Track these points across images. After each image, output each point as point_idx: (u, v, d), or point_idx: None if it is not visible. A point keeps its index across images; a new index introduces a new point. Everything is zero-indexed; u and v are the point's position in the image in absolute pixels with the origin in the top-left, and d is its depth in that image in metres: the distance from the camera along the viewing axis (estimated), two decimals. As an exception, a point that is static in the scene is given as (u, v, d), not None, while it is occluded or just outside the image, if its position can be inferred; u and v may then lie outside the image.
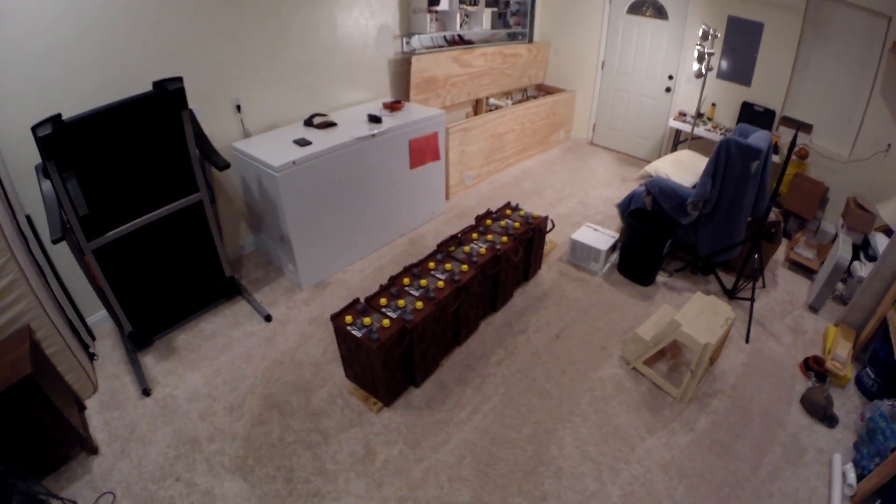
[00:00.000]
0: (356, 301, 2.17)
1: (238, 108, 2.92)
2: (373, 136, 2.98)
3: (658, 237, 2.94)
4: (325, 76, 3.31)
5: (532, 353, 2.64)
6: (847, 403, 2.51)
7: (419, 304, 2.14)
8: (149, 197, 2.30)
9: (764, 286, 3.25)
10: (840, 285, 3.10)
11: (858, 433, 2.34)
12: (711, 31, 3.43)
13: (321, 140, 2.83)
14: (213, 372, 2.47)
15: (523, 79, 4.90)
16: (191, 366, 2.51)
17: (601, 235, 3.29)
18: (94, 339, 2.63)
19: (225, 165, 2.47)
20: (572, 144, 5.52)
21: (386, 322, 2.03)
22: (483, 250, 2.56)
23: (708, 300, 2.47)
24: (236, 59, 2.80)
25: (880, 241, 3.06)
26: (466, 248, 2.58)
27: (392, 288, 2.25)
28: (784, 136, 3.76)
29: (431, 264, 2.43)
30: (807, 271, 3.43)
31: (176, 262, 2.54)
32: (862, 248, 3.20)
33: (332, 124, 3.09)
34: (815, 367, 2.62)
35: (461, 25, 3.89)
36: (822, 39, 3.43)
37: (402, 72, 3.75)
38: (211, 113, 2.79)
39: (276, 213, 2.75)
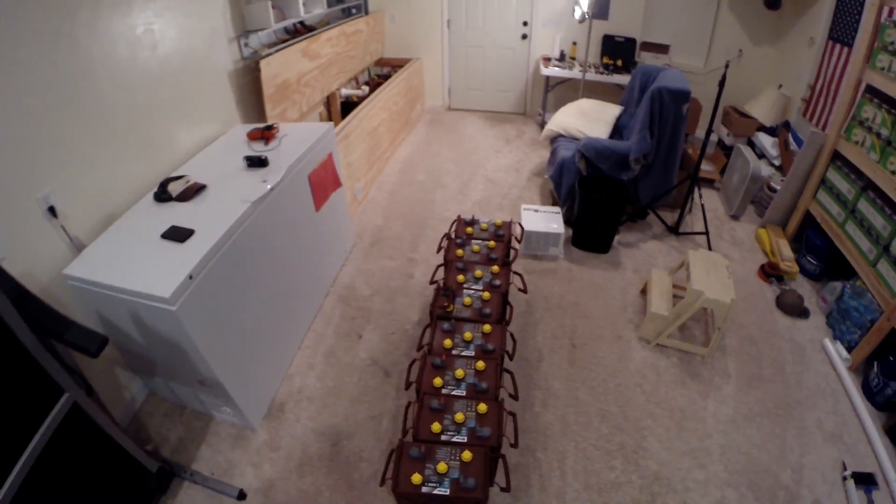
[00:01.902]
0: (403, 445, 1.71)
1: (52, 210, 1.94)
2: (271, 190, 2.31)
3: (616, 203, 3.00)
4: (159, 117, 2.42)
5: (564, 378, 2.54)
6: (802, 291, 3.01)
7: (481, 407, 1.79)
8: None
9: (691, 211, 3.64)
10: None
11: (826, 313, 2.88)
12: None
13: (201, 220, 2.05)
14: None
15: (366, 57, 4.44)
16: None
17: (547, 215, 3.25)
18: None
19: (101, 343, 1.63)
20: (432, 115, 5.34)
21: (466, 455, 1.65)
22: (486, 294, 2.27)
23: (702, 255, 2.64)
24: (24, 129, 1.79)
25: (763, 140, 3.65)
26: (466, 301, 2.25)
27: (433, 401, 1.82)
28: (648, 60, 4.14)
29: (448, 343, 2.05)
30: (709, 182, 3.95)
31: (79, 491, 1.69)
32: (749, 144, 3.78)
33: (199, 188, 2.29)
34: (772, 272, 3.08)
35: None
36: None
37: (248, 83, 3.00)
38: (6, 238, 1.79)
39: (183, 356, 1.98)
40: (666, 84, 2.79)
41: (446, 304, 2.25)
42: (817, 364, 2.63)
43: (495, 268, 2.44)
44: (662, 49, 4.12)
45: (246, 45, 2.88)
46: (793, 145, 3.39)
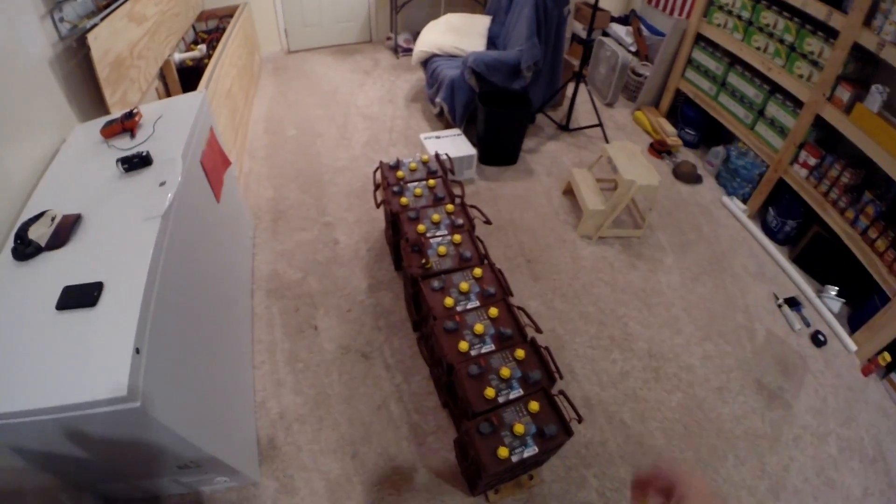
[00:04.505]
0: (468, 428, 1.68)
1: None
2: (176, 191, 1.90)
3: (522, 112, 3.15)
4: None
5: (535, 295, 2.71)
6: (688, 159, 3.58)
7: (519, 353, 1.82)
8: None
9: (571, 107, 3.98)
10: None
11: (714, 175, 3.50)
12: None
13: (101, 265, 1.54)
14: None
15: (189, 13, 3.81)
16: None
17: (452, 139, 3.28)
18: None
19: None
20: (273, 64, 4.90)
21: (534, 406, 1.68)
22: (457, 237, 2.27)
23: (618, 147, 2.96)
24: None
25: (617, 30, 4.07)
26: (441, 250, 2.22)
27: (470, 367, 1.78)
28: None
29: (449, 301, 2.01)
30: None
31: None
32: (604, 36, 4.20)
33: (74, 221, 1.77)
34: (661, 148, 3.60)
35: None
36: None
37: (74, 69, 2.33)
38: None
39: (157, 451, 1.56)
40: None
41: (424, 261, 2.20)
42: (724, 218, 3.24)
43: (449, 206, 2.43)
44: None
45: (62, 19, 2.21)
46: (645, 31, 3.86)
